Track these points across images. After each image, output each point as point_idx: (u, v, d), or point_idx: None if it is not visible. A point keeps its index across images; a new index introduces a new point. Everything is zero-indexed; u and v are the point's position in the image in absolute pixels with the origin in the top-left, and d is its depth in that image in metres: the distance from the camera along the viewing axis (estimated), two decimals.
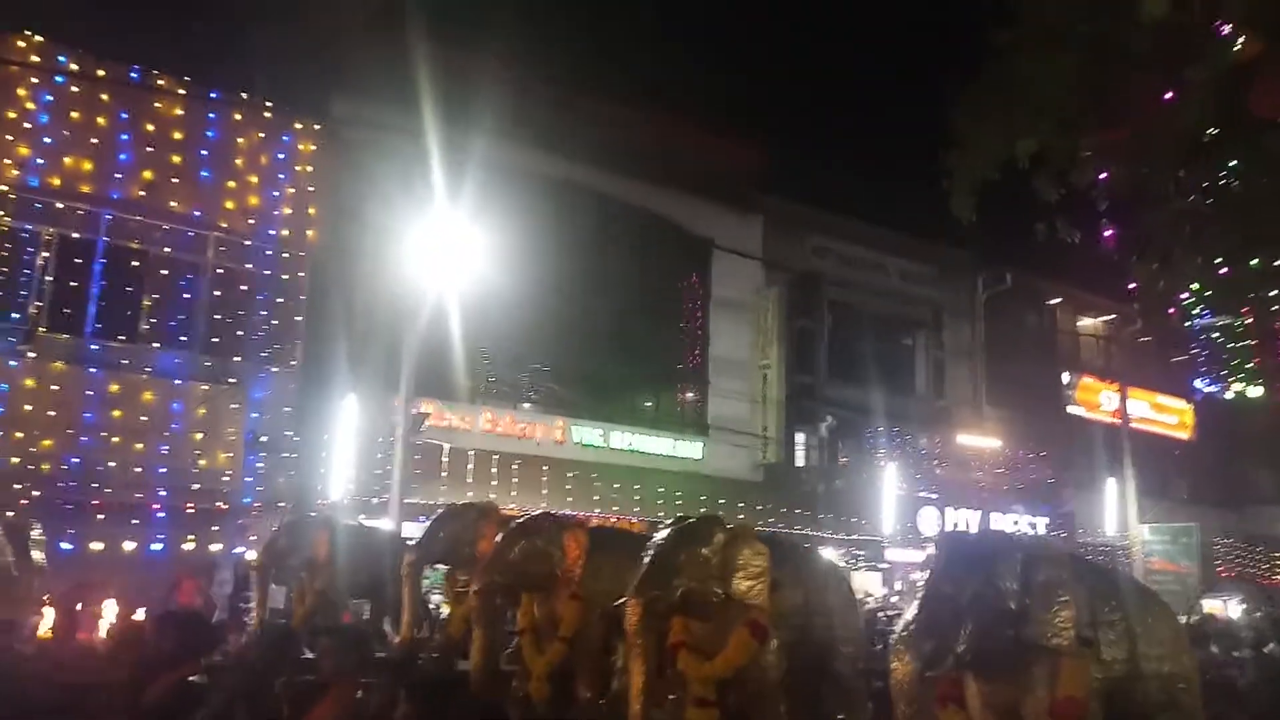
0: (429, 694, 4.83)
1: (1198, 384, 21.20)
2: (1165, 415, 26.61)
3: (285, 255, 15.56)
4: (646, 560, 5.30)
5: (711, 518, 5.75)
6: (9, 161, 13.69)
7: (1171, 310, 11.03)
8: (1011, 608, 4.33)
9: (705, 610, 5.35)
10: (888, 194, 22.02)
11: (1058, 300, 26.04)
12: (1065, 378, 25.63)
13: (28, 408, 13.18)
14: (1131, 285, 11.65)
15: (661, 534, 5.50)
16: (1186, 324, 11.78)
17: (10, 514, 11.88)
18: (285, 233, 15.57)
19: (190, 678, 5.65)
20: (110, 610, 9.00)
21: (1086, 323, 26.96)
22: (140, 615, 8.83)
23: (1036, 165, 8.62)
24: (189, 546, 13.66)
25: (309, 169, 15.88)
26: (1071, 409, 25.46)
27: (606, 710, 6.02)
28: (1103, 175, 9.29)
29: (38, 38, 14.01)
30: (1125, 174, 8.93)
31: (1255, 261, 8.85)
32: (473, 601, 6.64)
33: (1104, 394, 24.88)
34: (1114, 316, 24.69)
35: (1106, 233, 10.73)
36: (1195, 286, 10.44)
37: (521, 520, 6.88)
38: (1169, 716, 4.80)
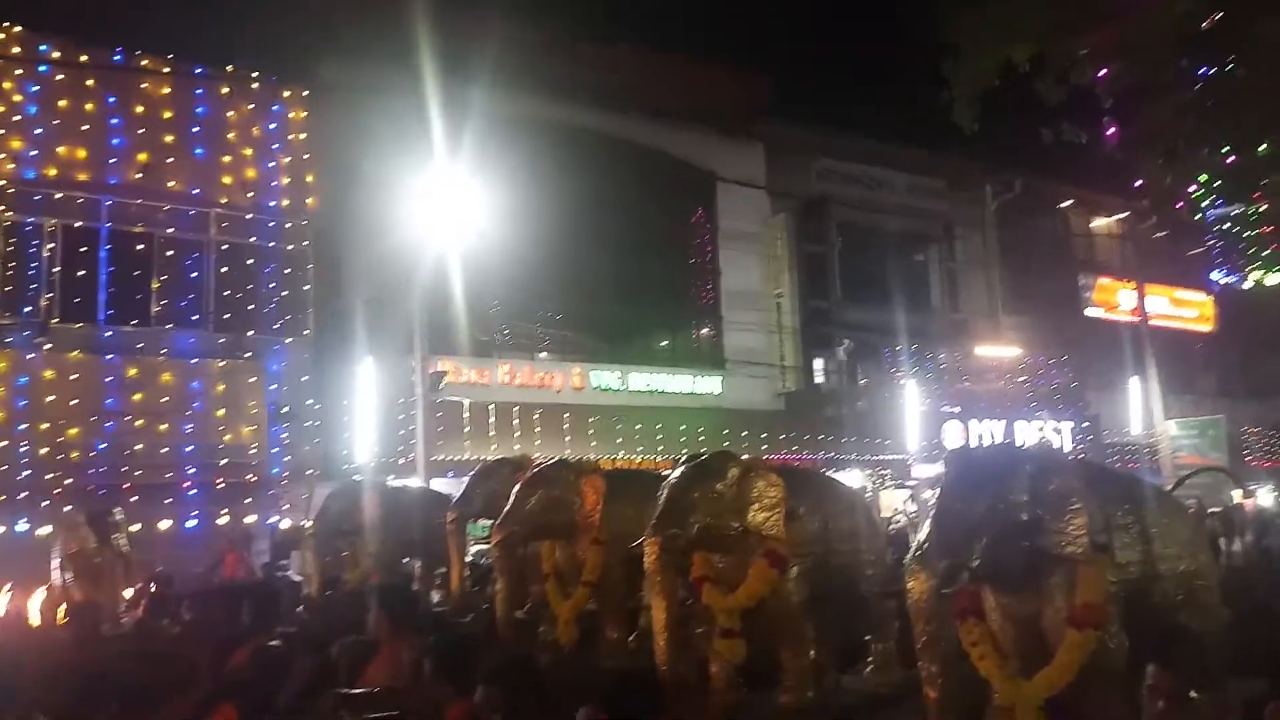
0: (457, 647, 4.90)
1: (1215, 275, 21.00)
2: (1185, 310, 26.35)
3: (288, 225, 15.57)
4: (662, 499, 5.35)
5: (724, 453, 5.79)
6: (3, 156, 13.72)
7: (1180, 204, 10.89)
8: (1024, 519, 4.33)
9: (724, 544, 5.41)
10: (890, 109, 21.74)
11: (1069, 203, 25.68)
12: (1081, 280, 25.39)
13: (50, 399, 13.35)
14: (1138, 182, 11.49)
15: (675, 472, 5.54)
16: (1196, 216, 11.61)
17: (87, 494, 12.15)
18: (285, 203, 15.56)
19: (269, 645, 5.82)
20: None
21: (1099, 223, 26.61)
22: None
23: (1036, 68, 8.46)
24: (223, 521, 13.89)
25: (302, 136, 15.81)
26: (1090, 311, 25.26)
27: (635, 648, 6.12)
28: (1102, 73, 9.12)
29: (17, 28, 13.93)
30: (1124, 69, 8.76)
31: (1264, 148, 8.70)
32: (495, 552, 6.74)
33: (1121, 293, 24.62)
34: (1127, 214, 24.34)
35: (1109, 131, 10.56)
36: (1204, 178, 10.29)
37: (537, 470, 6.95)
38: (1188, 613, 4.82)
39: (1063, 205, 25.74)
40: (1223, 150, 9.76)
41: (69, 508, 9.73)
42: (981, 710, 4.44)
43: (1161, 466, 20.45)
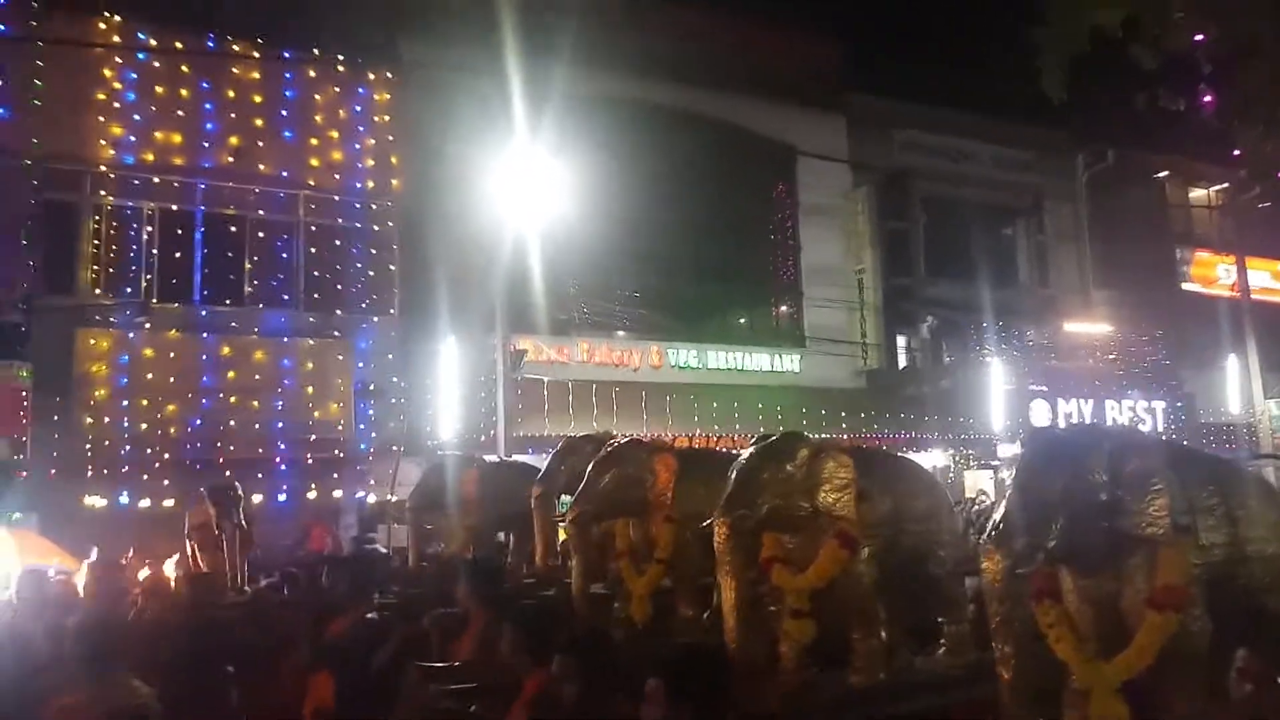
0: (535, 620, 5.00)
1: None
2: None
3: (374, 206, 15.91)
4: (731, 480, 5.37)
5: (794, 434, 5.77)
6: (104, 142, 14.23)
7: None
8: (1103, 499, 4.25)
9: (794, 525, 5.41)
10: (976, 78, 21.11)
11: (1164, 173, 24.68)
12: (1178, 254, 24.49)
13: (149, 376, 13.89)
14: (1236, 151, 11.05)
15: (744, 453, 5.55)
16: None
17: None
18: (371, 184, 15.88)
19: (367, 616, 6.03)
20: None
21: (1197, 194, 25.59)
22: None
23: (1130, 33, 8.18)
24: (312, 495, 14.32)
25: (387, 118, 16.10)
26: (1186, 286, 24.36)
27: (708, 625, 6.16)
28: (1199, 37, 8.77)
29: (116, 18, 14.41)
30: (1222, 33, 8.42)
31: None
32: (570, 530, 6.85)
33: (1220, 267, 23.70)
34: (1226, 185, 23.38)
35: (1206, 98, 10.16)
36: None
37: (611, 449, 7.01)
38: (1277, 598, 4.68)
39: (1158, 176, 24.77)
40: None
41: (203, 486, 10.09)
42: (1056, 693, 4.38)
43: (1261, 447, 19.71)
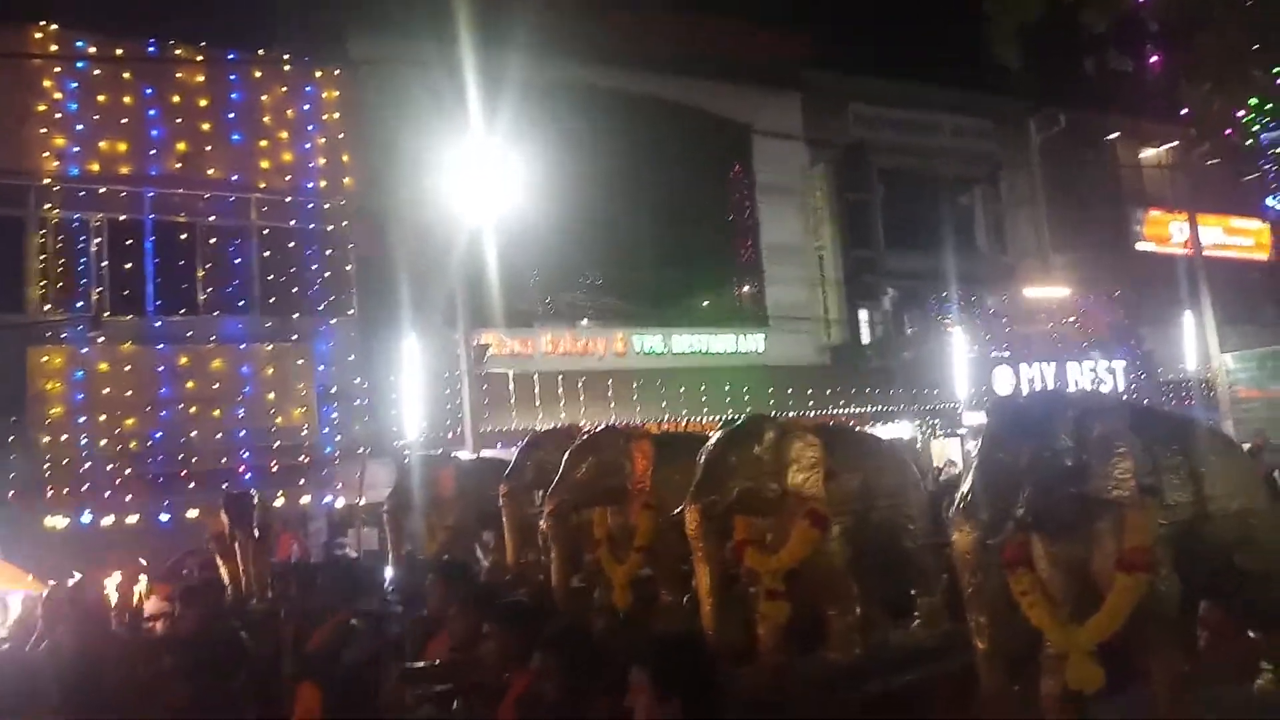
0: (514, 618, 4.97)
1: (1270, 201, 20.37)
2: (1240, 238, 25.59)
3: (327, 206, 15.73)
4: (700, 466, 5.36)
5: (760, 416, 5.77)
6: (47, 154, 13.97)
7: (1229, 131, 10.57)
8: (1069, 465, 4.27)
9: (765, 507, 5.40)
10: (929, 50, 21.17)
11: (1115, 135, 24.94)
12: (1131, 214, 24.78)
13: (106, 391, 13.67)
14: (1184, 110, 11.16)
15: (713, 438, 5.54)
16: (1248, 142, 11.29)
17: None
18: (323, 184, 15.70)
19: (350, 619, 5.96)
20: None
21: (1149, 153, 25.88)
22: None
23: None
24: (279, 503, 14.14)
25: (337, 116, 15.91)
26: (1141, 245, 24.65)
27: (690, 610, 6.16)
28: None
29: (53, 26, 14.13)
30: None
31: None
32: (547, 521, 6.80)
33: (1173, 225, 23.99)
34: (1176, 143, 23.67)
35: (1154, 59, 10.25)
36: (1254, 101, 9.96)
37: (586, 437, 6.98)
38: (1246, 552, 4.72)
39: (1110, 137, 25.05)
40: (1273, 71, 9.45)
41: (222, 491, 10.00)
42: (1033, 659, 4.41)
43: (1219, 401, 20.04)
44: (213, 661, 4.83)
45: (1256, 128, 10.44)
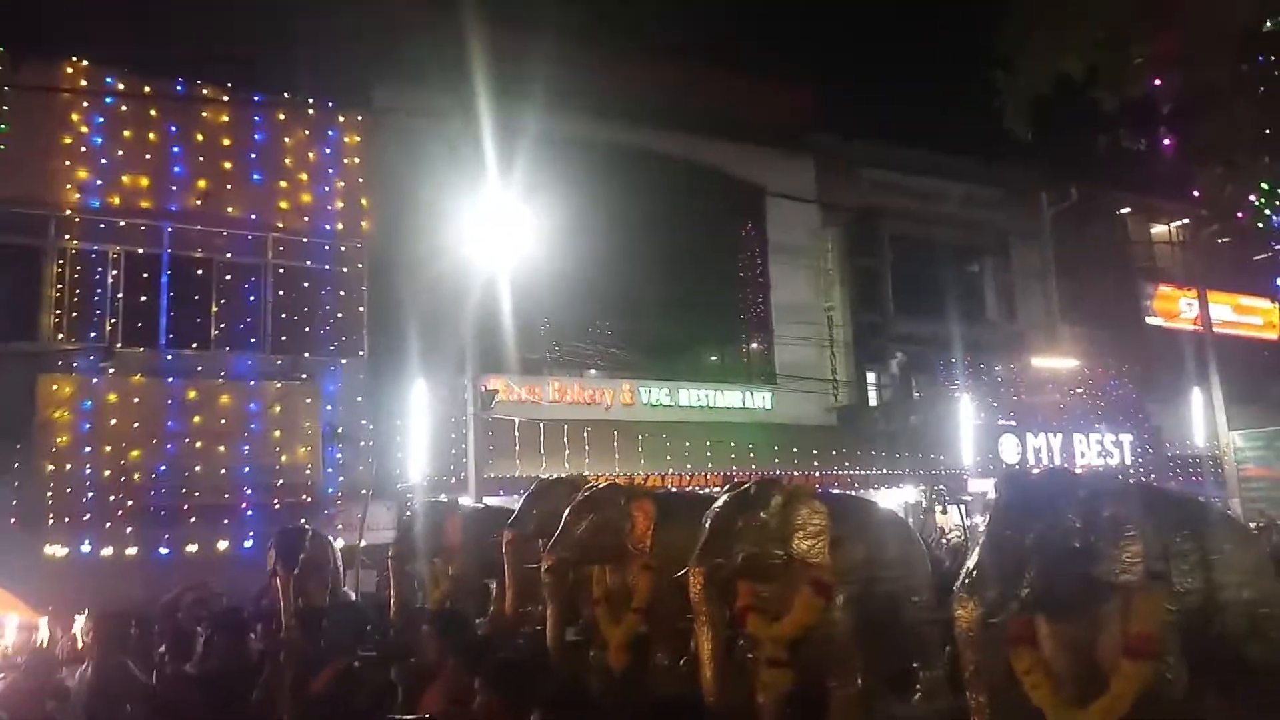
0: (509, 671, 4.93)
1: None
2: (1250, 317, 25.68)
3: (342, 249, 15.84)
4: (705, 529, 5.34)
5: (768, 480, 5.75)
6: (70, 186, 14.11)
7: (1240, 214, 10.61)
8: (1077, 546, 4.25)
9: (769, 573, 5.37)
10: (942, 119, 21.46)
11: (1127, 210, 25.16)
12: (1142, 288, 24.86)
13: (113, 422, 13.68)
14: (1195, 192, 11.23)
15: (719, 501, 5.53)
16: (1260, 225, 11.30)
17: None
18: (340, 226, 15.82)
19: (352, 665, 5.91)
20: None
21: (1159, 230, 26.06)
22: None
23: (1091, 77, 8.31)
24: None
25: (357, 160, 16.08)
26: (1151, 320, 24.73)
27: (686, 673, 6.10)
28: (1158, 81, 8.94)
29: (84, 62, 14.37)
30: (1181, 78, 8.58)
31: None
32: (545, 577, 6.75)
33: (1183, 301, 24.07)
34: (1187, 220, 23.83)
35: (1166, 141, 10.33)
36: (1265, 186, 10.02)
37: (587, 493, 6.94)
38: (1256, 646, 4.67)
39: (1121, 212, 25.24)
40: None
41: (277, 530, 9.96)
42: None
43: (1226, 479, 19.93)
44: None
45: (1268, 211, 10.47)
